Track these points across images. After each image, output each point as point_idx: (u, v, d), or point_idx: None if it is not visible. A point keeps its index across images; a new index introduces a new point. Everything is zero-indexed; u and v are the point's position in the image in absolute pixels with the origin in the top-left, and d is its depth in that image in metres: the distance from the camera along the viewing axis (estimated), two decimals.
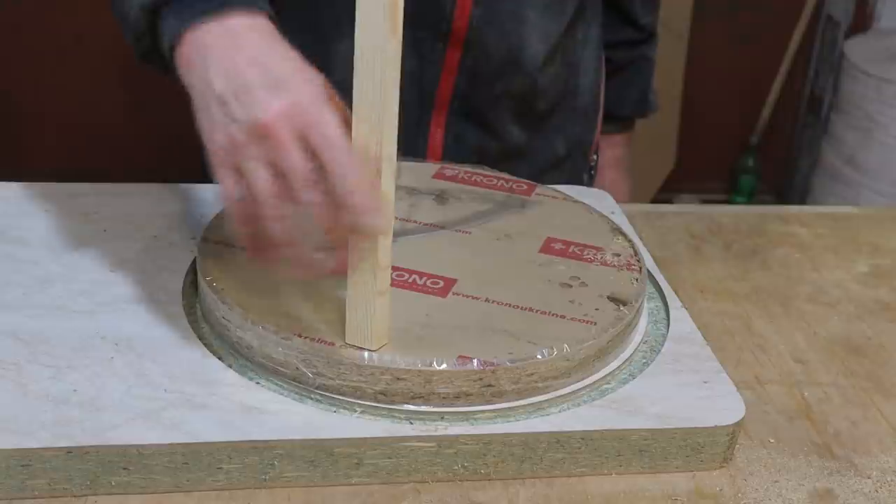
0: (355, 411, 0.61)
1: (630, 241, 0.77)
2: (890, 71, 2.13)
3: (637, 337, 0.70)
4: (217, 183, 0.59)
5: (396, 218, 0.59)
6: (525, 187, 0.85)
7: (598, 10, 1.02)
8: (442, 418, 0.60)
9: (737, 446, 0.64)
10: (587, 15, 0.99)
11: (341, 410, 0.61)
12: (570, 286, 0.70)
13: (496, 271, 0.72)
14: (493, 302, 0.67)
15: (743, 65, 2.51)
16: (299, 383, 0.62)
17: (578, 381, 0.64)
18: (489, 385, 0.61)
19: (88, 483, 0.57)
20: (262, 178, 0.56)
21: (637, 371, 0.67)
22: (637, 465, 0.62)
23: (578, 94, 1.01)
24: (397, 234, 0.62)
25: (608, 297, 0.69)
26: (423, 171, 0.86)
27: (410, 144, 0.94)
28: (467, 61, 0.90)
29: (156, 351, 0.64)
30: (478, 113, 0.94)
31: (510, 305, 0.67)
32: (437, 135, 0.94)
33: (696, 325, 0.72)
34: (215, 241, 0.72)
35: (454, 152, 0.94)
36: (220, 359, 0.64)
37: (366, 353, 0.60)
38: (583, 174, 1.06)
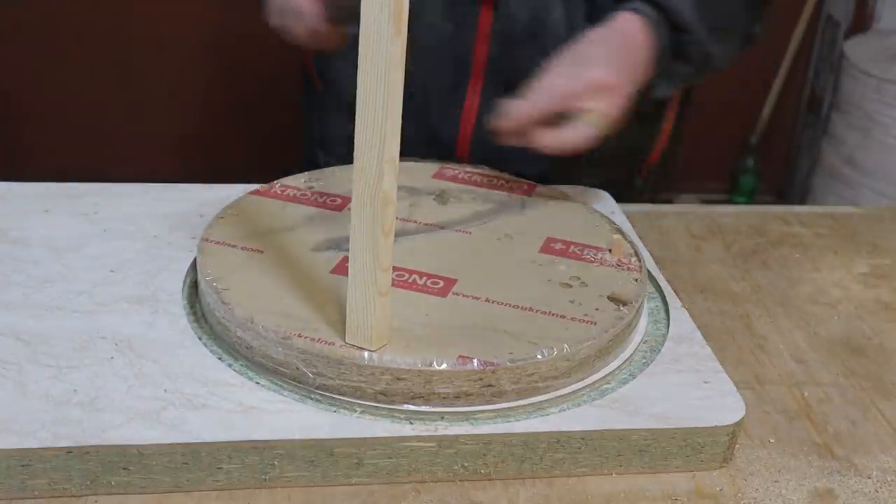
0: (355, 411, 0.61)
1: (630, 241, 0.77)
2: (890, 71, 2.13)
3: (637, 337, 0.70)
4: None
5: (396, 218, 0.59)
6: (525, 187, 0.85)
7: None
8: (442, 418, 0.60)
9: (737, 446, 0.64)
10: None
11: (341, 410, 0.61)
12: (571, 286, 0.70)
13: (496, 271, 0.72)
14: (493, 302, 0.67)
15: (743, 65, 2.51)
16: (299, 383, 0.62)
17: (578, 381, 0.64)
18: (489, 385, 0.61)
19: (88, 483, 0.57)
20: None
21: (637, 371, 0.67)
22: (637, 465, 0.62)
23: None
24: (397, 234, 0.62)
25: (608, 297, 0.69)
26: (423, 171, 0.86)
27: (445, 110, 0.95)
28: (497, 25, 0.90)
29: (156, 351, 0.64)
30: (510, 81, 0.90)
31: (510, 305, 0.67)
32: (472, 101, 0.94)
33: (696, 325, 0.72)
34: (215, 241, 0.72)
35: (487, 121, 0.94)
36: (220, 359, 0.64)
37: (366, 353, 0.60)
38: (634, 177, 1.03)
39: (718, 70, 0.93)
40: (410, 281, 0.69)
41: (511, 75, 0.91)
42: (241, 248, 0.72)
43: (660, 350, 0.69)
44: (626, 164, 1.03)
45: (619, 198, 0.91)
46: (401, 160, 0.57)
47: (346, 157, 1.03)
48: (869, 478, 0.63)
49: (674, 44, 0.85)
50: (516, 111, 0.76)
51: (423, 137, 0.97)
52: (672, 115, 1.04)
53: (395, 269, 0.65)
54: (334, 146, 1.06)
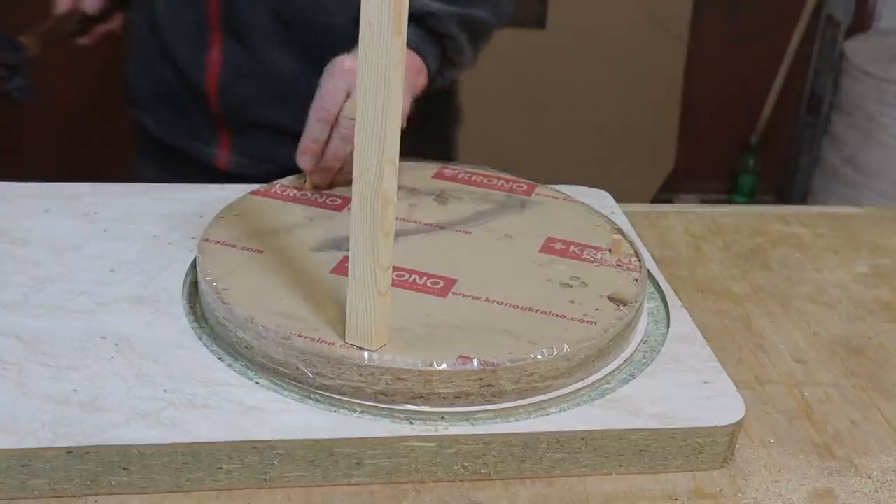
0: (355, 411, 0.61)
1: (630, 241, 0.77)
2: (890, 71, 2.13)
3: (637, 337, 0.70)
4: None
5: (396, 218, 0.59)
6: (525, 187, 0.85)
7: None
8: (442, 418, 0.60)
9: (737, 446, 0.64)
10: None
11: (341, 410, 0.61)
12: (571, 286, 0.70)
13: (496, 271, 0.71)
14: (493, 302, 0.67)
15: (743, 65, 2.51)
16: (299, 383, 0.62)
17: (578, 381, 0.64)
18: (489, 385, 0.61)
19: (88, 483, 0.57)
20: None
21: (637, 371, 0.67)
22: (637, 465, 0.62)
23: None
24: (397, 234, 0.62)
25: (608, 297, 0.69)
26: (423, 171, 0.86)
27: (193, 64, 0.97)
28: None
29: (156, 351, 0.64)
30: (244, 36, 0.94)
31: (510, 305, 0.67)
32: (215, 56, 0.96)
33: (696, 325, 0.72)
34: (215, 241, 0.72)
35: (228, 77, 0.96)
36: (219, 359, 0.64)
37: (366, 353, 0.60)
38: None
39: (484, 26, 0.93)
40: (410, 281, 0.69)
41: (244, 30, 0.94)
42: (241, 248, 0.72)
43: (660, 350, 0.69)
44: None
45: None
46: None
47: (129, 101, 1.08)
48: (869, 478, 0.63)
49: (428, 31, 0.86)
50: (303, 145, 0.79)
51: (180, 84, 0.99)
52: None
53: (395, 269, 0.65)
54: (128, 88, 1.10)
